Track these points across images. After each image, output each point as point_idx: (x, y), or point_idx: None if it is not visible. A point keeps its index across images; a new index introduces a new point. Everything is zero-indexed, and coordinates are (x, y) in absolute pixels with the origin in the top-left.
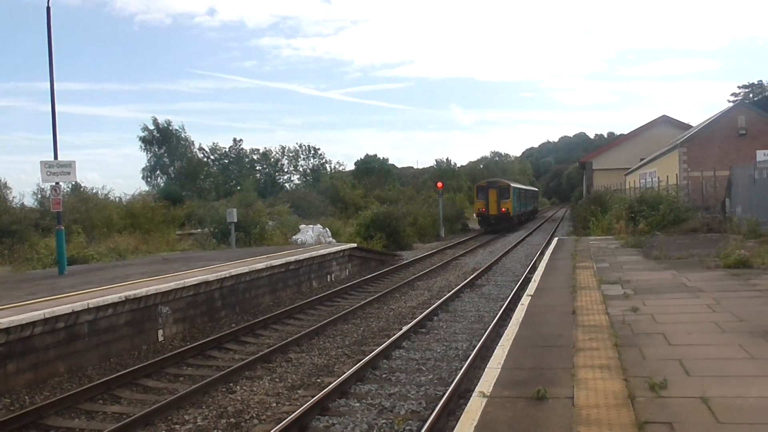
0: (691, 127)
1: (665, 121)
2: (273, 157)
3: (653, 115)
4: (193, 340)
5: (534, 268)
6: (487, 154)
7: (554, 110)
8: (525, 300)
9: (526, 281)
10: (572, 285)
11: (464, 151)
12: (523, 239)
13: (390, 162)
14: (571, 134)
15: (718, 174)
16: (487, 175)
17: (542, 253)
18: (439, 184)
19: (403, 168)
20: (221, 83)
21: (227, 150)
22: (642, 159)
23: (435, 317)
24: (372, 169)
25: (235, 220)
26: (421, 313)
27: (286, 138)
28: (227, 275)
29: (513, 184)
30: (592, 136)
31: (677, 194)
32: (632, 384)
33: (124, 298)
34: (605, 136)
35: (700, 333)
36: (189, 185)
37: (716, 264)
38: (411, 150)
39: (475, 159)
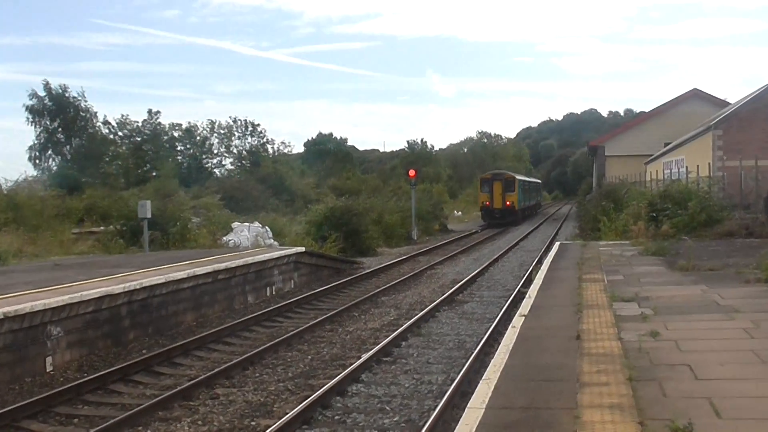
0: (728, 104)
1: (696, 96)
2: (199, 134)
3: (681, 88)
4: (93, 370)
5: (529, 281)
6: (473, 134)
7: (558, 80)
8: (517, 321)
9: (519, 297)
10: (577, 303)
11: (443, 131)
12: (517, 243)
13: (349, 143)
14: (578, 111)
15: (761, 164)
16: (472, 160)
17: (540, 262)
18: (412, 172)
19: (366, 151)
20: (133, 38)
21: (140, 125)
22: (667, 143)
23: (403, 342)
24: (326, 151)
25: (149, 216)
26: (386, 336)
27: (216, 110)
28: (138, 287)
29: (518, 177)
30: (605, 114)
31: (710, 188)
32: (650, 428)
33: (2, 316)
34: (621, 114)
35: (735, 364)
36: (90, 169)
37: (756, 277)
38: (376, 128)
39: (458, 141)
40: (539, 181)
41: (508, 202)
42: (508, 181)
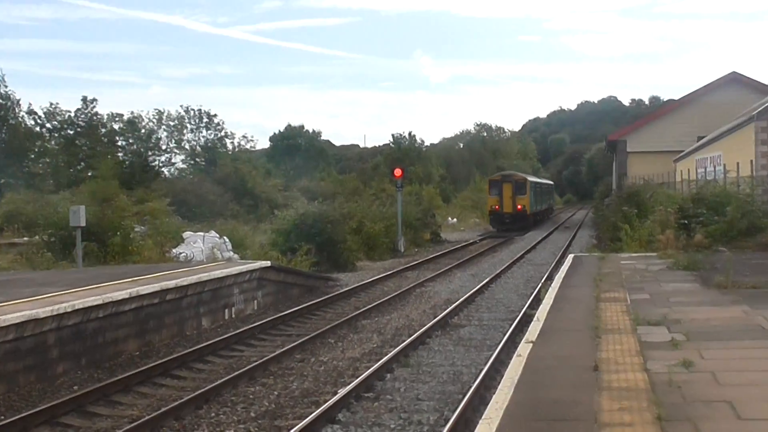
0: None
1: (735, 80)
2: (144, 126)
3: (717, 71)
4: (12, 412)
5: (537, 301)
6: (470, 127)
7: (570, 63)
8: (523, 348)
9: (526, 320)
10: (594, 326)
11: (435, 123)
12: (523, 255)
13: (323, 137)
14: (595, 99)
15: None
16: (469, 158)
17: (550, 278)
18: (398, 172)
19: (343, 146)
20: (64, 11)
21: (73, 115)
22: (700, 137)
23: (388, 375)
24: (296, 147)
25: (84, 224)
26: (368, 368)
27: (164, 98)
28: (69, 309)
29: (530, 178)
30: (626, 103)
31: (752, 191)
32: None
33: None
34: (646, 102)
35: None
36: (12, 168)
37: None
38: (355, 120)
39: (452, 135)
40: (551, 182)
41: (519, 206)
42: (519, 183)
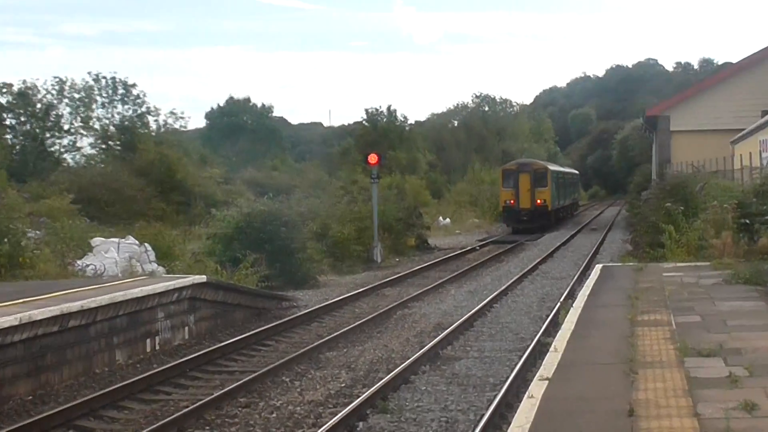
0: None
1: None
2: (40, 100)
3: None
4: None
5: (555, 325)
6: (467, 100)
7: (596, 16)
8: (537, 387)
9: (540, 351)
10: (629, 358)
11: (422, 94)
12: (536, 266)
13: (276, 113)
14: (629, 63)
15: None
16: (466, 139)
17: (571, 295)
18: (373, 158)
19: (301, 125)
20: None
21: None
22: (765, 112)
23: (360, 424)
24: (240, 126)
25: None
26: (334, 414)
27: (67, 63)
28: None
29: (551, 167)
30: (669, 68)
31: None
32: None
33: None
34: (695, 67)
35: None
36: None
37: None
38: (317, 90)
39: (444, 110)
40: (576, 172)
41: (539, 201)
42: (538, 173)
